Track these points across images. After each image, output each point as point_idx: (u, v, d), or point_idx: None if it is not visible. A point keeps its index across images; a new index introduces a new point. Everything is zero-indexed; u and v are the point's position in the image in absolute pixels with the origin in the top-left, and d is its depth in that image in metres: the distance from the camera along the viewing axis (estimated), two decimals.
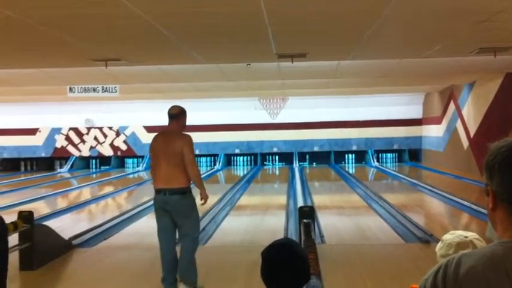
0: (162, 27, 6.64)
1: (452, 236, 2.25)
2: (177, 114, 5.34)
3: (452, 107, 18.01)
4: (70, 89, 11.64)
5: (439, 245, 2.25)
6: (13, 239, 6.14)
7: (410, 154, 22.27)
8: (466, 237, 2.28)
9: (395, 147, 22.24)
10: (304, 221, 6.17)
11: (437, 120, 19.67)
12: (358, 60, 10.41)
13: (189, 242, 5.24)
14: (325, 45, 8.51)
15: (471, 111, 16.16)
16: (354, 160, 22.71)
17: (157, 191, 5.27)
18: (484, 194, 1.35)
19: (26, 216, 6.27)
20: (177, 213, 5.20)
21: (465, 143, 16.60)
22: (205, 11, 5.94)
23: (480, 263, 1.24)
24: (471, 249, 2.20)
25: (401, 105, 21.73)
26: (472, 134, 16.02)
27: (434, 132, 20.17)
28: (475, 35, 7.69)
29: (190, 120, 21.60)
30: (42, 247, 6.38)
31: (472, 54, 9.42)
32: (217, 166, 21.67)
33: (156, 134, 5.55)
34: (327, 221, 9.06)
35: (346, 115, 21.86)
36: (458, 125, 17.28)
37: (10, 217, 6.88)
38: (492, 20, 6.51)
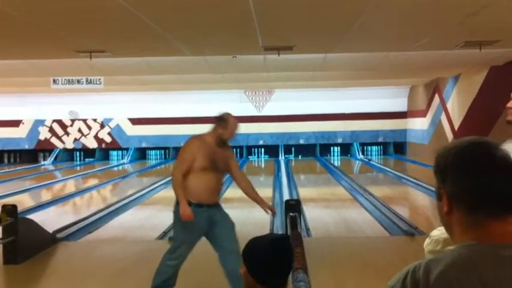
0: (148, 19, 6.58)
1: (440, 232, 2.24)
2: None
3: (437, 100, 18.11)
4: (54, 80, 11.51)
5: (427, 241, 2.24)
6: None
7: (395, 147, 22.39)
8: None
9: (380, 140, 22.35)
10: (291, 214, 6.16)
11: (422, 113, 19.78)
12: (345, 53, 10.42)
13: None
14: (312, 38, 8.50)
15: (456, 104, 16.26)
16: (339, 153, 22.79)
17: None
18: (436, 198, 1.32)
19: (10, 210, 6.19)
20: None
21: (450, 135, 16.72)
22: (192, 3, 5.89)
23: (451, 268, 1.20)
24: None
25: (387, 98, 21.82)
26: (456, 127, 16.14)
27: (419, 125, 20.29)
28: (462, 29, 7.72)
29: (175, 113, 21.47)
30: (27, 241, 6.31)
31: (458, 48, 9.47)
32: None
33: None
34: (312, 214, 9.08)
35: (332, 108, 21.91)
36: (443, 118, 17.39)
37: None
38: (479, 14, 6.54)
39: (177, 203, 4.61)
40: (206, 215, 4.63)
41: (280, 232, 7.78)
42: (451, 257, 1.23)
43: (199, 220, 4.58)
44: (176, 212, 4.63)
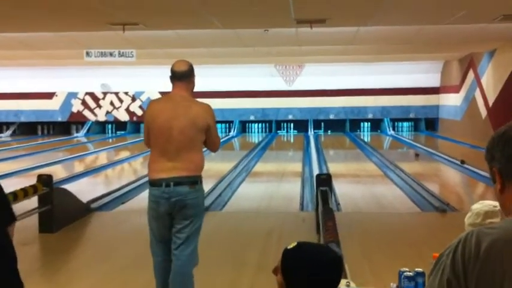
0: None
1: (481, 205, 2.23)
2: (188, 73, 3.79)
3: (471, 75, 17.74)
4: (87, 53, 11.61)
5: (468, 214, 2.23)
6: (32, 202, 6.23)
7: (427, 123, 22.09)
8: (495, 206, 2.26)
9: (411, 115, 22.06)
10: (322, 188, 6.15)
11: (455, 89, 19.42)
12: (378, 27, 10.25)
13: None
14: (345, 10, 8.37)
15: (490, 80, 15.91)
16: (369, 128, 22.60)
17: (155, 183, 3.69)
18: (492, 181, 1.37)
19: (45, 180, 6.32)
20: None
21: (483, 112, 16.40)
22: None
23: (502, 238, 1.22)
24: (499, 218, 2.18)
25: (419, 73, 21.46)
26: (490, 103, 15.82)
27: (452, 101, 19.94)
28: (500, 1, 7.51)
29: (206, 86, 21.48)
30: (62, 210, 6.44)
31: (495, 22, 9.22)
32: (232, 133, 21.68)
33: (152, 100, 3.93)
34: (342, 189, 9.06)
35: (363, 83, 21.66)
36: (477, 94, 17.05)
37: (29, 180, 6.98)
38: None
39: (201, 182, 3.74)
40: None
41: (310, 207, 7.79)
42: (502, 228, 1.26)
43: None
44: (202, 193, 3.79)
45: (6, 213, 2.20)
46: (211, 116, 3.73)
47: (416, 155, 14.25)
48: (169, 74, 3.78)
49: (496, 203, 2.30)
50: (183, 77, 3.76)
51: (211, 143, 3.82)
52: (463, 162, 10.86)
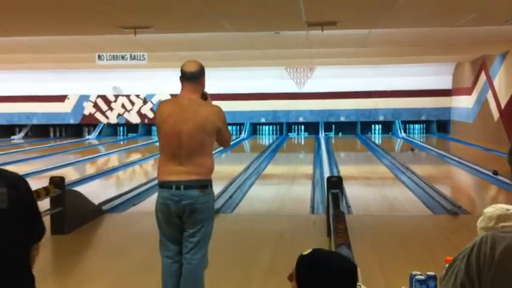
0: None
1: (494, 208, 2.22)
2: (198, 74, 3.76)
3: (483, 77, 17.64)
4: (99, 56, 11.69)
5: (481, 218, 2.22)
6: (45, 204, 6.27)
7: (439, 125, 21.98)
8: (508, 210, 2.24)
9: (423, 118, 21.96)
10: (333, 191, 6.14)
11: (467, 91, 19.31)
12: (389, 29, 10.22)
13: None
14: (357, 13, 8.37)
15: (503, 82, 15.81)
16: (380, 131, 22.52)
17: (164, 185, 3.68)
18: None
19: (58, 182, 6.36)
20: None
21: (496, 114, 16.30)
22: None
23: None
24: None
25: (431, 75, 21.36)
26: (503, 106, 15.71)
27: (464, 103, 19.82)
28: (510, 3, 7.46)
29: (216, 89, 21.51)
30: (73, 212, 6.48)
31: (507, 24, 9.17)
32: (243, 135, 21.70)
33: (161, 102, 3.88)
34: (353, 192, 9.03)
35: (374, 85, 21.60)
36: (489, 96, 16.95)
37: (41, 182, 7.02)
38: None
39: (211, 185, 3.72)
40: None
41: (320, 209, 7.77)
42: None
43: None
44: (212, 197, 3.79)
45: (35, 230, 2.05)
46: (221, 119, 3.69)
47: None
48: (179, 74, 3.76)
49: (509, 207, 2.28)
50: (192, 77, 3.71)
51: (223, 142, 3.80)
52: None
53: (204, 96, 3.79)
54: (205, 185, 3.65)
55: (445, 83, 21.65)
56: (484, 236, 1.25)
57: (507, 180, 9.32)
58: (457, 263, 1.27)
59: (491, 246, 1.22)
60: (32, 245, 2.05)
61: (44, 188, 6.06)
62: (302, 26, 9.24)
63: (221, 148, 16.96)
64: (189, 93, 3.70)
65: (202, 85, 3.80)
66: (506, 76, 15.55)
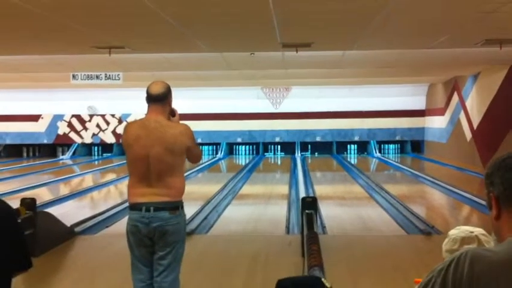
0: (166, 16, 6.60)
1: (458, 231, 2.24)
2: (163, 95, 3.72)
3: (456, 98, 17.95)
4: (73, 76, 11.61)
5: (445, 240, 2.24)
6: None
7: (413, 145, 22.24)
8: (472, 232, 2.27)
9: (397, 138, 22.21)
10: (307, 211, 6.16)
11: (441, 112, 19.62)
12: (363, 51, 10.36)
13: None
14: (331, 35, 8.47)
15: (475, 102, 16.10)
16: (356, 151, 22.70)
17: (134, 207, 3.65)
18: (487, 207, 1.37)
19: (29, 203, 6.27)
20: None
21: (468, 134, 16.56)
22: None
23: (499, 260, 1.21)
24: (476, 244, 2.18)
25: (405, 96, 21.67)
26: (475, 126, 15.98)
27: (437, 123, 20.12)
28: (482, 26, 7.64)
29: (192, 108, 21.46)
30: (45, 234, 6.38)
31: (478, 46, 9.37)
32: (219, 155, 21.66)
33: (127, 124, 3.86)
34: (328, 212, 9.06)
35: (349, 105, 21.81)
36: (462, 116, 17.23)
37: (12, 203, 6.88)
38: (499, 11, 6.46)
39: (182, 207, 3.70)
40: None
41: (296, 229, 7.77)
42: (499, 249, 1.25)
43: None
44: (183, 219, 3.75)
45: (21, 259, 2.05)
46: (189, 137, 3.66)
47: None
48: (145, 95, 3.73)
49: (474, 229, 2.31)
50: (158, 99, 3.69)
51: (194, 158, 3.79)
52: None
53: (172, 113, 3.77)
54: (176, 206, 3.61)
55: (419, 103, 21.97)
56: (464, 252, 1.24)
57: (480, 201, 9.43)
58: (434, 275, 1.26)
59: (470, 264, 1.21)
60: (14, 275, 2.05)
61: (15, 210, 5.95)
62: (277, 47, 9.32)
63: (197, 168, 16.93)
64: (156, 115, 3.68)
65: (169, 105, 3.77)
66: (478, 97, 15.84)
